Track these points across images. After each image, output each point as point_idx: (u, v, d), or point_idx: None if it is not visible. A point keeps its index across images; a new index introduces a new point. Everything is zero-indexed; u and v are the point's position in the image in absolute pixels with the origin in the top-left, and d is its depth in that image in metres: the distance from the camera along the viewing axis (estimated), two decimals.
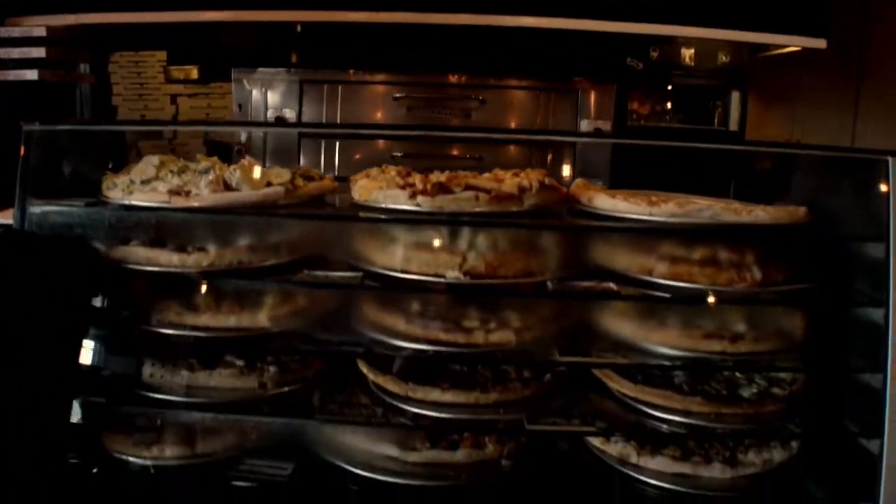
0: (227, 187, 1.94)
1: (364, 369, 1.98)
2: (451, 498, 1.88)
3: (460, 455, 1.91)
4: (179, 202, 1.88)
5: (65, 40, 3.18)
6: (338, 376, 2.03)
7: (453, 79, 3.80)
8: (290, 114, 3.62)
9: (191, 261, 1.87)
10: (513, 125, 3.84)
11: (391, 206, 1.91)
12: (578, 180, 2.17)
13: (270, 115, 3.58)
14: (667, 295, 1.85)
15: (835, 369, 1.97)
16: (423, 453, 1.91)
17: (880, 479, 1.88)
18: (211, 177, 1.94)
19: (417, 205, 1.88)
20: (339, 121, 3.69)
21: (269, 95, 3.56)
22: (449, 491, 1.87)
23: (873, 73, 4.34)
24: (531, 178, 1.97)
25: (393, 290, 1.90)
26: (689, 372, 2.02)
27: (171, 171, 1.96)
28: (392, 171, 2.03)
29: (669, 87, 3.96)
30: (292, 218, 1.92)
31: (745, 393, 1.99)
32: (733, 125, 3.97)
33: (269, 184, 1.97)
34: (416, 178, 1.96)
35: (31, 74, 2.90)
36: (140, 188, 1.92)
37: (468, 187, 1.91)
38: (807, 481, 2.01)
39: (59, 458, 1.72)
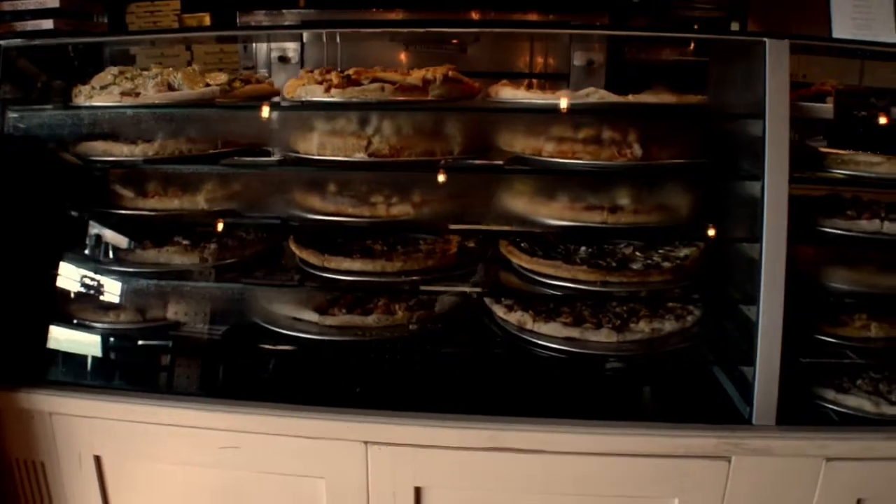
0: (171, 88, 2.23)
1: (292, 246, 2.25)
2: (360, 351, 2.12)
3: (371, 319, 2.15)
4: (128, 101, 2.19)
5: None
6: (274, 255, 2.30)
7: (449, 16, 3.96)
8: (292, 53, 3.90)
9: (138, 151, 2.18)
10: (507, 60, 3.97)
11: (310, 99, 2.15)
12: (503, 81, 2.35)
13: (274, 55, 3.87)
14: (527, 168, 2.01)
15: (719, 241, 2.09)
16: (338, 317, 2.15)
17: (756, 345, 2.00)
18: (158, 79, 2.23)
19: (331, 97, 2.11)
20: (339, 63, 3.93)
21: (271, 38, 3.84)
22: (359, 345, 2.11)
23: None
24: (436, 71, 2.17)
25: (309, 171, 2.14)
26: (572, 240, 2.19)
27: (126, 78, 2.27)
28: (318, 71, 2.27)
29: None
30: (219, 109, 2.17)
31: (636, 265, 2.13)
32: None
33: (207, 85, 2.25)
34: (333, 75, 2.19)
35: (47, 24, 3.24)
36: (99, 93, 2.24)
37: (375, 80, 2.13)
38: (694, 348, 2.13)
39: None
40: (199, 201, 2.20)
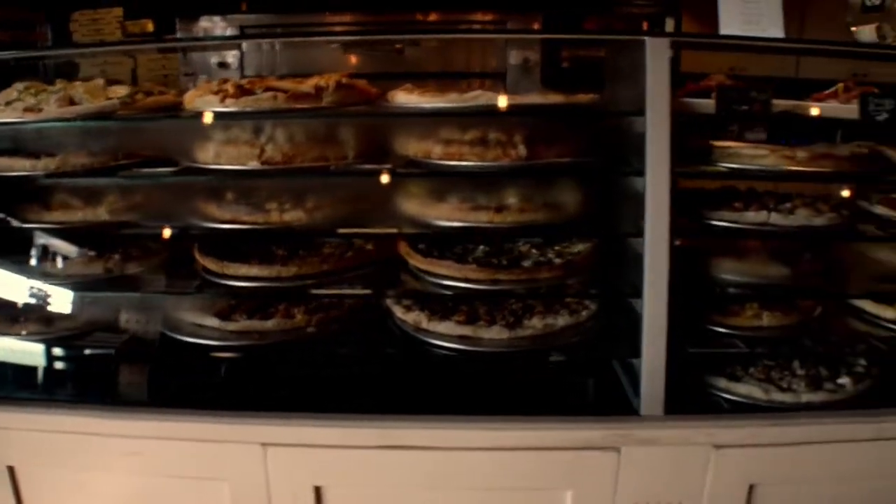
0: (73, 103, 2.27)
1: (196, 254, 2.29)
2: (261, 355, 2.17)
3: (271, 324, 2.20)
4: (30, 116, 2.23)
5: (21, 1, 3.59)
6: (181, 263, 2.35)
7: (386, 18, 4.00)
8: (231, 59, 3.93)
9: (41, 165, 2.22)
10: (445, 61, 4.00)
11: (206, 109, 2.19)
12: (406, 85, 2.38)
13: (213, 61, 3.91)
14: (412, 171, 2.06)
15: (610, 237, 2.13)
16: (239, 323, 2.20)
17: (642, 337, 2.04)
18: (60, 94, 2.27)
19: (226, 107, 2.15)
20: (279, 69, 3.98)
21: (206, 47, 3.88)
22: (260, 349, 2.16)
23: None
24: (329, 79, 2.21)
25: (204, 180, 2.18)
26: (472, 240, 2.23)
27: (31, 93, 2.31)
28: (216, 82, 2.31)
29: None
30: (122, 122, 2.21)
31: (527, 262, 2.18)
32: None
33: (109, 99, 2.29)
34: (229, 84, 2.23)
35: None
36: (3, 109, 2.28)
37: (268, 89, 2.17)
38: (589, 342, 2.18)
39: None
40: (102, 213, 2.24)
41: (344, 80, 2.20)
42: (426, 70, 3.90)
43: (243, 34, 3.85)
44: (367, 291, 2.14)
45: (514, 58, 3.91)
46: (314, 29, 3.95)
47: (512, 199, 2.11)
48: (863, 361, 2.29)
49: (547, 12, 3.73)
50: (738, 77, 2.35)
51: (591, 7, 3.95)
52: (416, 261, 2.19)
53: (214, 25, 3.92)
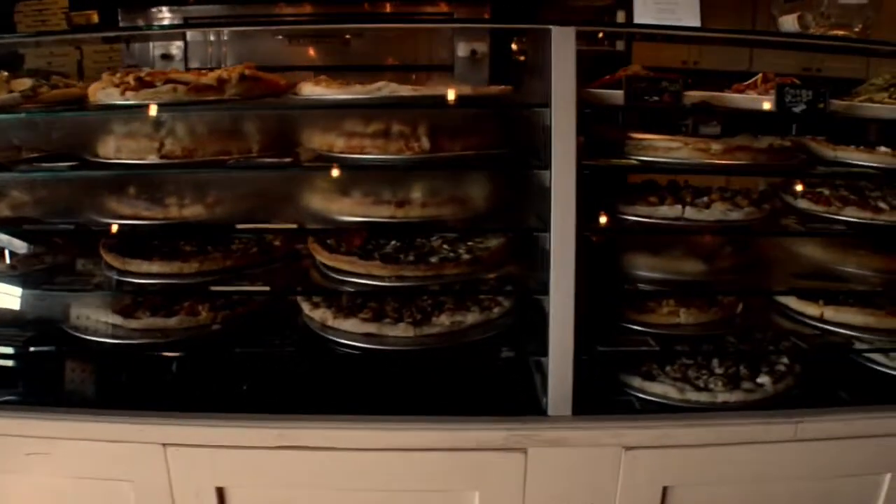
0: None
1: (101, 250, 2.24)
2: (164, 353, 2.12)
3: (175, 321, 2.14)
4: None
5: None
6: (89, 260, 2.29)
7: (337, 9, 3.94)
8: (175, 51, 3.87)
9: None
10: (392, 52, 3.94)
11: (108, 102, 2.13)
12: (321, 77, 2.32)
13: (157, 52, 3.85)
14: (312, 165, 2.00)
15: (513, 232, 2.07)
16: (143, 320, 2.14)
17: (548, 334, 1.99)
18: None
19: (127, 99, 2.09)
20: (225, 60, 3.92)
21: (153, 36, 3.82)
22: (163, 347, 2.11)
23: None
24: (232, 70, 2.14)
25: (107, 175, 2.13)
26: (384, 235, 2.17)
27: None
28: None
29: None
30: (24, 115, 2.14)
31: (434, 258, 2.12)
32: (620, 45, 3.99)
33: (10, 92, 2.23)
34: (130, 77, 2.17)
35: None
36: None
37: (168, 81, 2.11)
38: (501, 340, 2.12)
39: None
40: (3, 209, 2.19)
41: (247, 72, 2.14)
42: (374, 62, 3.83)
43: (187, 24, 3.77)
44: (266, 289, 2.08)
45: (461, 50, 3.84)
46: (263, 20, 3.88)
47: (417, 194, 2.05)
48: (785, 360, 2.23)
49: (497, 3, 3.65)
50: (668, 69, 2.28)
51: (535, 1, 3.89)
52: (322, 256, 2.13)
53: (160, 16, 3.85)
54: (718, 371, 2.15)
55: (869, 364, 2.29)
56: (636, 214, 2.11)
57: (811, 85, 2.08)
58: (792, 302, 2.30)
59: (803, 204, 2.27)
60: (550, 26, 1.97)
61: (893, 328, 2.22)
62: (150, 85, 2.10)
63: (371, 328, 2.06)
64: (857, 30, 2.30)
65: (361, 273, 2.07)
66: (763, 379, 2.13)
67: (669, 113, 2.77)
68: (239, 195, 2.13)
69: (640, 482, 2.04)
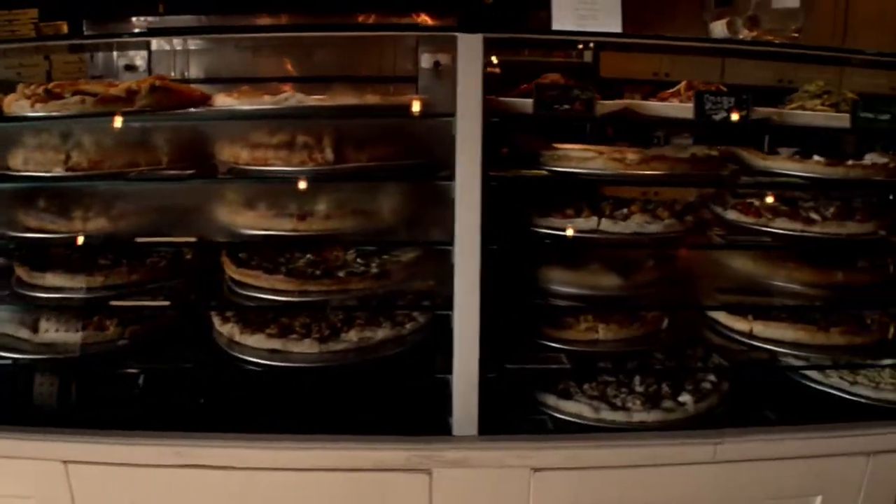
0: None
1: (15, 263, 2.22)
2: (71, 368, 2.08)
3: (82, 336, 2.11)
4: None
5: None
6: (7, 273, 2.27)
7: (294, 20, 3.91)
8: (140, 62, 3.87)
9: None
10: (355, 63, 3.89)
11: (20, 114, 2.11)
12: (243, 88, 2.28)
13: (121, 63, 3.85)
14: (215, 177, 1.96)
15: (417, 245, 2.02)
16: (49, 335, 2.12)
17: (453, 348, 1.93)
18: None
19: (36, 111, 2.07)
20: (190, 70, 3.91)
21: (116, 46, 3.81)
22: (71, 362, 2.08)
23: None
24: (142, 82, 2.12)
25: (15, 187, 2.11)
26: (300, 249, 2.13)
27: None
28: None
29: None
30: None
31: (342, 272, 2.07)
32: (588, 58, 3.94)
33: None
34: (41, 88, 2.15)
35: None
36: None
37: (77, 92, 2.09)
38: (408, 357, 2.06)
39: None
40: None
41: (158, 83, 2.11)
42: (339, 73, 3.79)
43: (143, 33, 3.76)
44: (165, 303, 2.05)
45: (425, 61, 3.77)
46: (215, 31, 3.86)
47: (321, 206, 2.00)
48: (712, 377, 2.15)
49: (448, 15, 3.62)
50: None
51: (506, 13, 3.84)
52: (230, 270, 2.10)
53: (126, 27, 3.85)
54: (638, 389, 2.08)
55: (804, 381, 2.20)
56: (551, 227, 2.04)
57: (733, 92, 2.01)
58: (721, 317, 2.21)
59: (732, 215, 2.19)
60: (456, 33, 1.92)
61: (825, 344, 2.14)
62: (59, 97, 2.08)
63: (276, 344, 2.02)
64: (795, 35, 2.22)
65: (266, 287, 2.03)
66: (685, 398, 2.05)
67: (637, 125, 2.70)
68: (145, 208, 2.10)
69: None
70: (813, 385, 2.19)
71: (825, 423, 2.07)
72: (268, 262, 2.13)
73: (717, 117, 1.99)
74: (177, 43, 3.87)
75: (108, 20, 3.87)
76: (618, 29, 2.07)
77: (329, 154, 1.96)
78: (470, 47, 1.91)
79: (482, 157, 1.90)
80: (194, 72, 3.91)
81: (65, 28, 3.94)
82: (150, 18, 3.92)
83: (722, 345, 2.20)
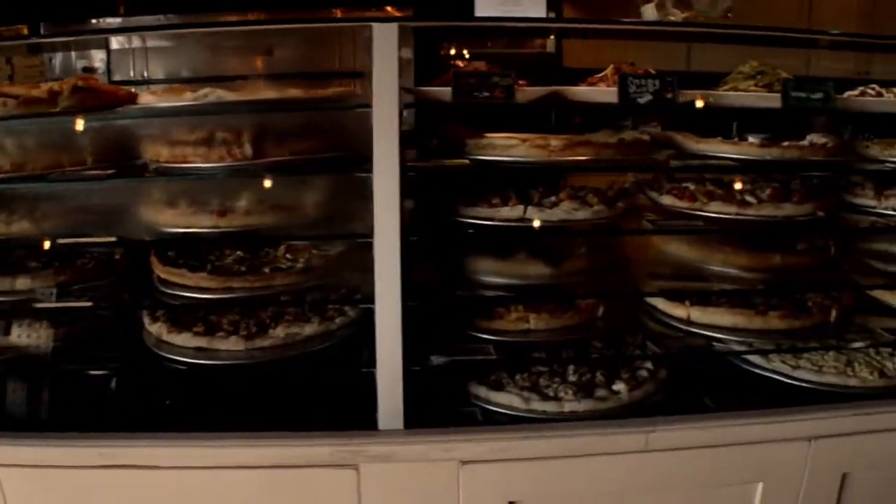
0: None
1: None
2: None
3: (9, 339, 2.10)
4: None
5: None
6: None
7: (254, 17, 3.87)
8: (98, 63, 3.85)
9: None
10: (315, 60, 3.86)
11: None
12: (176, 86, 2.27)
13: (79, 65, 3.83)
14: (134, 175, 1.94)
15: (335, 239, 2.00)
16: None
17: (375, 343, 1.91)
18: None
19: None
20: (149, 70, 3.89)
21: (74, 47, 3.80)
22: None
23: None
24: (65, 83, 2.10)
25: None
26: (231, 246, 2.11)
27: None
28: None
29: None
30: None
31: (267, 268, 2.05)
32: (550, 47, 3.91)
33: None
34: None
35: None
36: None
37: None
38: (337, 352, 2.04)
39: None
40: None
41: (80, 84, 2.10)
42: (299, 70, 3.76)
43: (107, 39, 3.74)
44: (88, 304, 2.03)
45: None
46: (173, 31, 3.83)
47: (242, 202, 1.98)
48: (649, 365, 2.11)
49: (404, 6, 3.57)
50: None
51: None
52: (157, 269, 2.08)
53: (81, 29, 3.82)
54: (572, 379, 2.05)
55: (746, 367, 2.16)
56: (478, 217, 2.01)
57: (658, 74, 1.97)
58: (660, 303, 2.18)
59: (667, 200, 2.16)
60: (372, 23, 1.90)
61: (764, 328, 2.11)
62: None
63: (202, 342, 2.00)
64: (728, 16, 2.17)
65: (191, 285, 2.01)
66: (619, 386, 2.02)
67: (609, 114, 2.64)
68: (70, 209, 2.08)
69: (483, 498, 1.94)
70: (756, 370, 2.16)
71: (764, 409, 2.03)
72: (196, 259, 2.10)
73: (642, 100, 1.96)
74: (136, 43, 3.85)
75: (68, 22, 3.84)
76: (542, 14, 2.03)
77: (247, 149, 1.93)
78: (385, 36, 1.88)
79: (400, 148, 1.87)
80: (154, 72, 3.89)
81: (24, 31, 3.92)
82: (110, 20, 3.89)
83: (661, 332, 2.17)
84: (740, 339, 2.12)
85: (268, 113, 2.00)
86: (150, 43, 3.88)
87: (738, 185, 2.19)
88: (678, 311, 2.13)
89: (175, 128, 2.01)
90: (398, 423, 1.93)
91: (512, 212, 1.99)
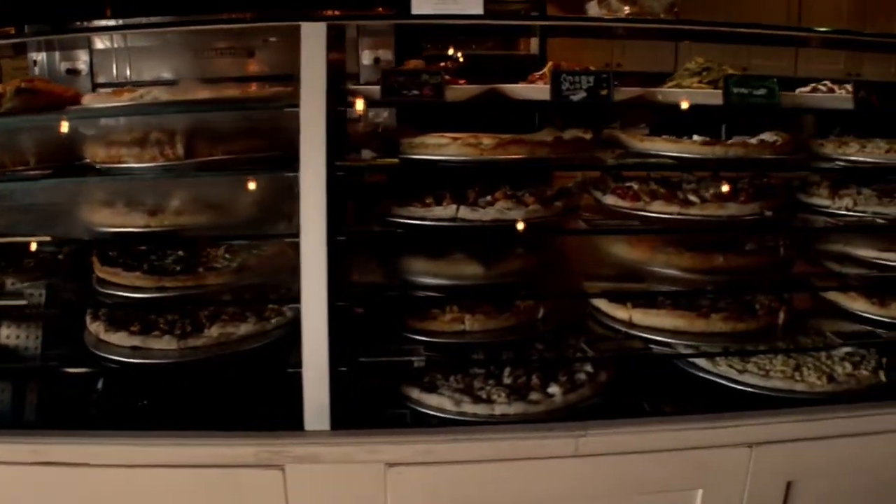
0: None
1: None
2: None
3: None
4: None
5: None
6: None
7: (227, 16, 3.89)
8: (82, 65, 3.91)
9: None
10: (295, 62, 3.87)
11: None
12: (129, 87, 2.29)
13: (63, 66, 3.89)
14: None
15: (264, 238, 1.99)
16: None
17: (301, 342, 1.90)
18: None
19: None
20: (130, 71, 3.93)
21: (59, 48, 3.86)
22: None
23: None
24: (8, 84, 2.13)
25: None
26: (171, 246, 2.12)
27: None
28: None
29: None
30: None
31: (201, 268, 2.05)
32: (534, 49, 3.91)
33: None
34: None
35: None
36: None
37: None
38: (272, 352, 2.04)
39: None
40: None
41: (24, 85, 2.12)
42: (280, 72, 3.78)
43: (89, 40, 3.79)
44: (23, 303, 2.05)
45: (366, 58, 3.76)
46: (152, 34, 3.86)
47: (175, 202, 1.99)
48: (588, 367, 2.08)
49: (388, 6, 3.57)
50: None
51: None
52: (97, 269, 2.09)
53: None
54: (507, 381, 2.02)
55: (692, 371, 2.12)
56: (411, 216, 2.00)
57: (594, 72, 1.94)
58: (603, 305, 2.15)
59: (610, 200, 2.13)
60: (300, 22, 1.89)
61: (706, 331, 2.06)
62: None
63: (136, 341, 2.01)
64: (663, 14, 2.13)
65: (127, 285, 2.02)
66: (553, 389, 1.98)
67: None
68: (12, 208, 2.10)
69: (413, 501, 1.92)
70: (702, 374, 2.11)
71: (703, 413, 1.99)
72: (139, 260, 2.11)
73: (575, 97, 1.93)
74: (119, 44, 3.90)
75: (54, 24, 3.89)
76: (479, 11, 2.01)
77: (179, 149, 1.94)
78: (313, 35, 1.87)
79: (327, 147, 1.86)
80: (137, 74, 3.93)
81: (12, 32, 3.98)
82: (96, 22, 3.94)
83: (604, 334, 2.14)
84: (684, 343, 2.07)
85: (204, 113, 2.00)
86: (132, 44, 3.92)
87: (686, 185, 2.14)
88: (620, 312, 2.10)
89: (114, 129, 2.02)
90: (324, 423, 1.92)
91: (445, 211, 1.97)
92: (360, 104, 1.90)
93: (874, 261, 2.20)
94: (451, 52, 4.04)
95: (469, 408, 1.94)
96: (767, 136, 2.17)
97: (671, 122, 2.44)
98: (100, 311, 2.15)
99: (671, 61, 4.16)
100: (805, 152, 2.24)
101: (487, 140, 1.94)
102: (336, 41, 1.93)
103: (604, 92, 1.93)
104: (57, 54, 3.83)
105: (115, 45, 3.89)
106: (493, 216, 1.96)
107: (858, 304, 2.20)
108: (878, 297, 2.18)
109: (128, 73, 3.90)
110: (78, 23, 3.48)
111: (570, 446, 1.89)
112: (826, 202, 2.19)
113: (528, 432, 1.90)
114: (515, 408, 1.94)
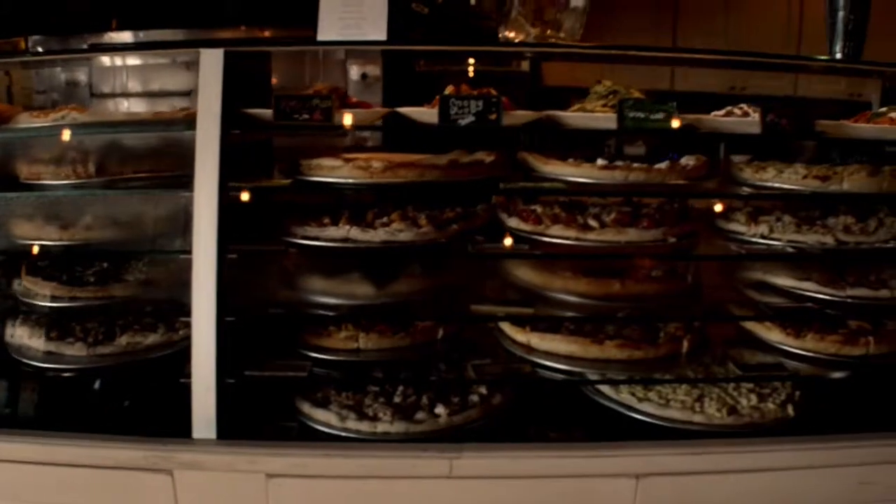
0: None
1: None
2: None
3: None
4: None
5: None
6: None
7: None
8: (82, 76, 4.12)
9: None
10: (288, 78, 4.00)
11: None
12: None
13: (64, 78, 4.11)
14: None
15: (159, 253, 2.08)
16: None
17: (192, 353, 1.99)
18: None
19: None
20: (128, 85, 4.14)
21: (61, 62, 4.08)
22: None
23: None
24: None
25: None
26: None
27: None
28: None
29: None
30: None
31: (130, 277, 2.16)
32: (525, 66, 3.94)
33: None
34: None
35: None
36: None
37: None
38: (170, 361, 2.13)
39: None
40: None
41: None
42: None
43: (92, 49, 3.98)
44: None
45: (353, 73, 3.87)
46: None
47: (87, 217, 2.10)
48: (482, 389, 2.09)
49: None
50: None
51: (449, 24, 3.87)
52: (24, 279, 2.23)
53: (76, 42, 4.10)
54: (397, 400, 2.05)
55: (595, 397, 2.11)
56: (305, 236, 2.05)
57: (483, 96, 1.96)
58: (507, 328, 2.15)
59: (513, 223, 2.13)
60: (200, 49, 1.97)
61: (600, 358, 2.04)
62: None
63: (51, 346, 2.12)
64: (576, 38, 2.13)
65: (46, 294, 2.14)
66: (439, 409, 2.00)
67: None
68: None
69: None
70: (604, 401, 2.09)
71: (589, 441, 1.98)
72: (61, 270, 2.23)
73: (463, 122, 1.95)
74: (118, 60, 4.10)
75: (62, 36, 4.11)
76: (382, 37, 2.05)
77: (91, 168, 2.05)
78: (211, 61, 1.95)
79: (221, 168, 1.94)
80: (134, 86, 4.12)
81: (22, 45, 4.22)
82: (89, 36, 4.15)
83: (506, 356, 2.14)
84: (581, 369, 2.06)
85: (117, 134, 2.10)
86: (130, 61, 4.11)
87: (592, 209, 2.13)
88: (520, 336, 2.10)
89: (39, 147, 2.14)
90: (211, 432, 1.98)
91: (337, 231, 2.02)
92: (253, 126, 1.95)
93: (791, 290, 2.13)
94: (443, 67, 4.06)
95: (353, 424, 1.98)
96: (685, 160, 2.14)
97: (606, 144, 2.44)
98: (29, 316, 2.28)
99: (667, 81, 4.11)
100: (725, 177, 2.19)
101: (377, 163, 1.97)
102: (236, 67, 1.99)
103: (492, 116, 1.94)
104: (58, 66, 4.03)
105: (116, 63, 4.08)
106: (384, 238, 1.99)
107: (773, 335, 2.13)
108: (794, 328, 2.11)
109: (127, 84, 4.09)
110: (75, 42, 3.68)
111: (445, 467, 1.91)
112: (742, 228, 2.14)
113: (402, 451, 1.93)
114: (397, 427, 1.96)
